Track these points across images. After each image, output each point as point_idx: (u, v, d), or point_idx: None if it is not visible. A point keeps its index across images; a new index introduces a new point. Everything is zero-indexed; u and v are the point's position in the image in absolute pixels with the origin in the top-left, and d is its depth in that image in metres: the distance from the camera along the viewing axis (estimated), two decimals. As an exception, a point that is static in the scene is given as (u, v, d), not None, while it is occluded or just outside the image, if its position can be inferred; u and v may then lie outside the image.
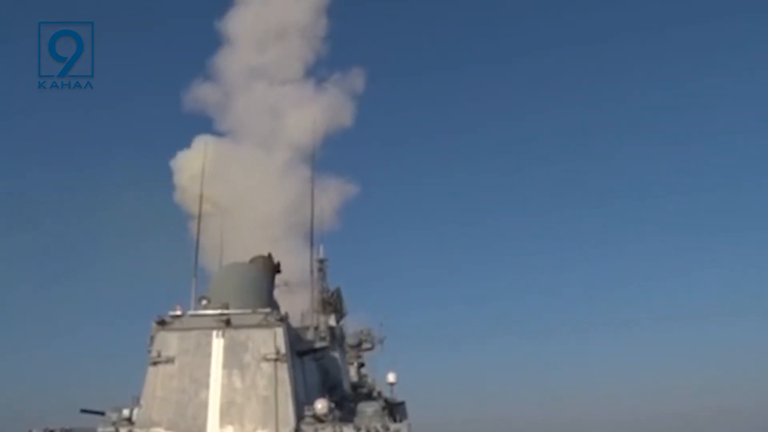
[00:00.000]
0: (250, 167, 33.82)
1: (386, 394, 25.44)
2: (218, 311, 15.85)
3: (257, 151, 36.79)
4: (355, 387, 23.33)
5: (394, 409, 23.98)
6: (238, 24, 38.12)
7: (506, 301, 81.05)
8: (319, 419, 14.99)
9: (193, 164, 37.64)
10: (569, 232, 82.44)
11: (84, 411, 16.13)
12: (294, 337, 16.51)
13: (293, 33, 38.82)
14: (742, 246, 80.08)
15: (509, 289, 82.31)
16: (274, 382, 15.09)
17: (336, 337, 22.18)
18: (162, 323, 15.88)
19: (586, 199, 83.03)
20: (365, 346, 28.76)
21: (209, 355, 15.46)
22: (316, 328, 20.14)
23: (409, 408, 26.77)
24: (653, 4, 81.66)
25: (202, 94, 38.80)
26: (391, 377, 26.03)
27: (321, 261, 26.94)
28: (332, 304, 26.97)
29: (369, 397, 23.22)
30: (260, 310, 15.92)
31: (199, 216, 18.53)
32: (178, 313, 16.04)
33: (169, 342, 15.69)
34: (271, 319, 15.65)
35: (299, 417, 14.95)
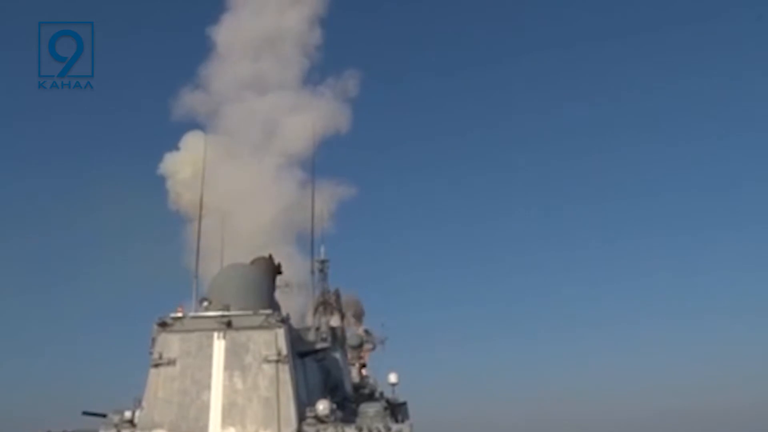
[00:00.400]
0: (244, 168, 33.96)
1: (388, 394, 25.44)
2: (219, 313, 15.86)
3: (251, 151, 37.03)
4: (356, 388, 23.30)
5: (396, 410, 23.98)
6: (231, 29, 38.41)
7: (507, 301, 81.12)
8: (320, 420, 14.98)
9: (184, 165, 38.07)
10: (568, 231, 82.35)
11: (86, 413, 16.14)
12: (295, 338, 16.50)
13: (286, 38, 39.09)
14: (742, 245, 79.91)
15: (510, 289, 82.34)
16: (275, 384, 15.09)
17: (337, 337, 22.16)
18: (163, 325, 15.88)
19: (585, 198, 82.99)
20: (366, 346, 28.75)
21: (210, 356, 15.47)
22: (318, 329, 20.13)
23: (411, 408, 26.79)
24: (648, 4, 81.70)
25: (193, 100, 39.08)
26: (392, 378, 26.05)
27: (322, 262, 26.93)
28: (332, 304, 27.01)
29: (371, 397, 23.21)
30: (261, 311, 15.91)
31: (200, 217, 18.52)
32: (180, 314, 16.04)
33: (170, 344, 15.70)
34: (273, 320, 15.65)
35: (301, 418, 14.94)
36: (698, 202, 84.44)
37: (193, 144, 38.18)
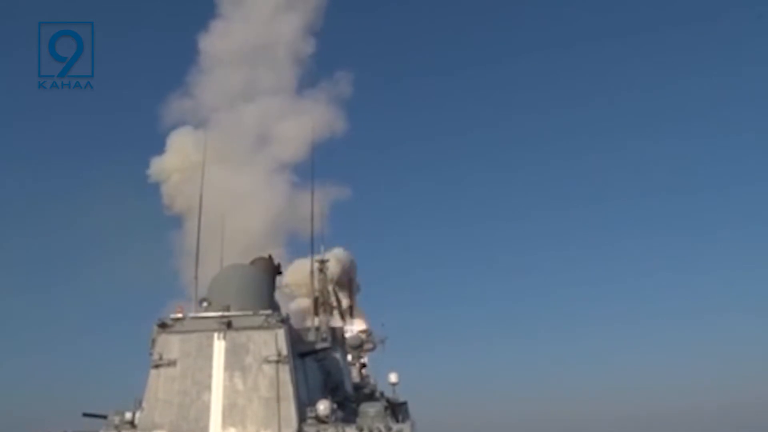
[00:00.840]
0: (236, 170, 34.10)
1: (388, 394, 25.42)
2: (219, 313, 15.86)
3: (243, 154, 37.25)
4: (357, 387, 23.29)
5: (397, 410, 23.94)
6: (224, 36, 38.64)
7: (506, 301, 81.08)
8: (321, 420, 14.99)
9: (173, 169, 38.28)
10: (566, 231, 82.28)
11: (86, 415, 16.13)
12: (295, 338, 16.50)
13: (279, 42, 39.33)
14: (742, 245, 79.81)
15: (509, 288, 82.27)
16: (276, 384, 15.09)
17: (337, 337, 22.15)
18: (163, 326, 15.88)
19: (583, 198, 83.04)
20: (367, 346, 28.70)
21: (211, 357, 15.48)
22: (318, 329, 20.12)
23: (412, 407, 26.78)
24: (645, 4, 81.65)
25: (184, 106, 39.33)
26: (393, 377, 26.00)
27: (321, 262, 26.87)
28: (331, 304, 26.99)
29: (371, 397, 23.19)
30: (261, 311, 15.92)
31: (199, 218, 18.46)
32: (180, 315, 16.03)
33: (170, 345, 15.70)
34: (272, 320, 15.66)
35: (301, 418, 14.94)
36: (697, 201, 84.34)
37: (179, 145, 38.60)
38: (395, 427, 15.15)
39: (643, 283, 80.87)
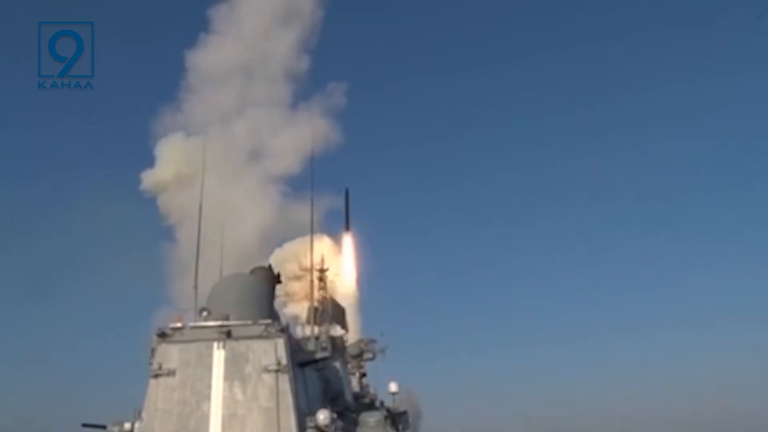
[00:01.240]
0: (229, 181, 34.30)
1: (388, 403, 25.37)
2: (219, 323, 15.82)
3: (235, 166, 37.56)
4: (357, 397, 23.27)
5: (397, 419, 23.89)
6: (218, 50, 39.02)
7: (507, 309, 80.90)
8: (321, 430, 14.95)
9: (165, 181, 38.55)
10: (569, 235, 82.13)
11: (85, 425, 16.10)
12: (295, 347, 16.47)
13: (273, 55, 39.72)
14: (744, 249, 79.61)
15: (510, 296, 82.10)
16: (275, 394, 15.05)
17: (337, 347, 22.14)
18: (163, 335, 15.84)
19: (585, 202, 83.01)
20: (366, 356, 28.66)
21: (210, 366, 15.43)
22: (317, 338, 20.10)
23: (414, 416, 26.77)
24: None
25: (177, 119, 39.64)
26: (393, 387, 25.96)
27: (321, 271, 26.88)
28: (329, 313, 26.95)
29: (371, 407, 23.15)
30: (261, 321, 15.89)
31: (199, 227, 18.45)
32: (179, 325, 16.00)
33: (170, 354, 15.65)
34: (272, 330, 15.63)
35: (301, 428, 14.90)
36: (701, 203, 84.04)
37: (171, 155, 38.92)
38: (395, 436, 15.12)
39: (650, 289, 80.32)
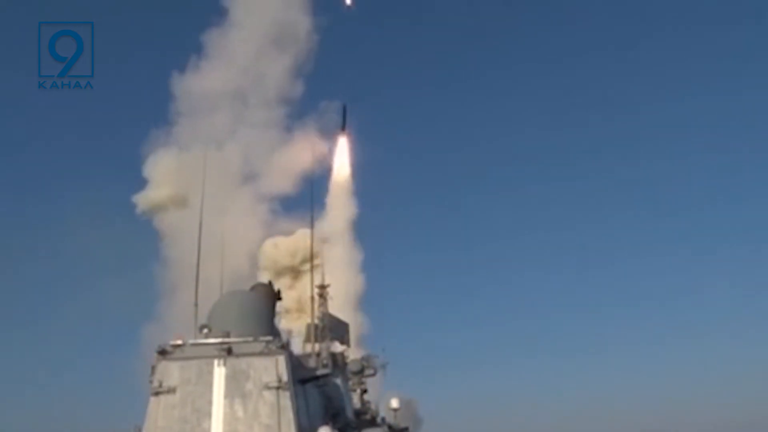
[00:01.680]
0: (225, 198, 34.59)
1: (389, 420, 25.28)
2: (219, 340, 15.80)
3: (230, 185, 37.97)
4: (358, 414, 23.19)
5: (398, 436, 23.84)
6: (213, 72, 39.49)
7: (509, 323, 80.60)
8: (322, 447, 14.89)
9: (160, 202, 38.86)
10: (571, 246, 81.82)
11: None
12: (296, 364, 16.44)
13: (268, 77, 40.19)
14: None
15: (511, 310, 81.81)
16: (276, 411, 15.01)
17: (338, 363, 22.10)
18: (163, 353, 15.81)
19: (593, 212, 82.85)
20: (367, 372, 28.55)
21: (211, 384, 15.40)
22: (318, 355, 20.07)
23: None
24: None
25: (169, 136, 39.98)
26: (394, 403, 25.87)
27: (322, 287, 26.84)
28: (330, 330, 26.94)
29: (372, 423, 23.06)
30: (261, 338, 15.88)
31: (199, 244, 18.47)
32: (179, 342, 15.98)
33: (170, 371, 15.61)
34: (273, 347, 15.61)
35: (303, 445, 14.85)
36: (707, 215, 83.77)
37: (163, 176, 39.23)
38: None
39: (652, 300, 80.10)
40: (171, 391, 15.41)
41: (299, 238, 38.38)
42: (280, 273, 38.95)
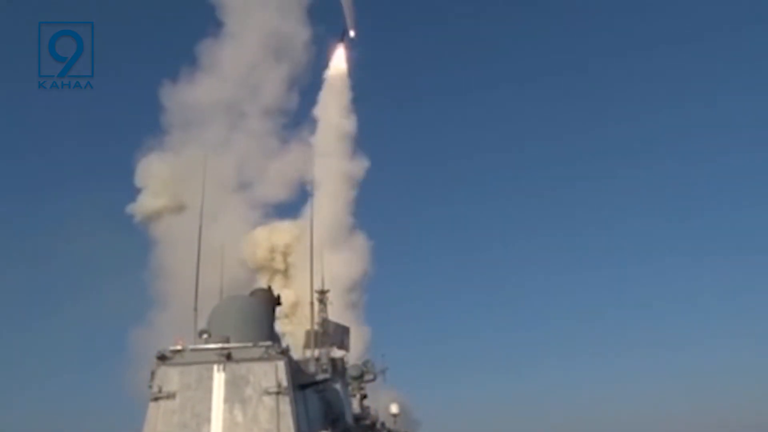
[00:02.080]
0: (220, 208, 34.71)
1: (390, 425, 25.26)
2: (219, 345, 15.79)
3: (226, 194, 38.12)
4: (357, 419, 23.16)
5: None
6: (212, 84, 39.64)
7: (509, 329, 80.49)
8: (322, 452, 14.88)
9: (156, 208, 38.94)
10: (572, 252, 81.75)
11: None
12: (296, 369, 16.42)
13: (265, 86, 40.31)
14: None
15: (515, 306, 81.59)
16: (276, 416, 15.00)
17: (338, 369, 22.05)
18: (163, 358, 15.80)
19: (588, 219, 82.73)
20: (367, 377, 28.52)
21: (210, 389, 15.39)
22: (318, 360, 20.03)
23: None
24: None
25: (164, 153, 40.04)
26: (393, 408, 25.84)
27: (321, 292, 26.79)
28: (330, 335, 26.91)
29: (372, 429, 23.04)
30: (261, 343, 15.86)
31: (199, 249, 18.44)
32: (179, 347, 15.96)
33: (170, 377, 15.60)
34: (272, 352, 15.60)
35: (302, 450, 14.83)
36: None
37: (157, 183, 39.31)
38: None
39: (655, 306, 79.88)
40: (171, 396, 15.39)
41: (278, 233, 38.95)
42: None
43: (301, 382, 16.42)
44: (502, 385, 71.66)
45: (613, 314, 78.55)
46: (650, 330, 74.92)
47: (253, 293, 19.43)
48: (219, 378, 15.44)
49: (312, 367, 18.88)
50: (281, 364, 15.45)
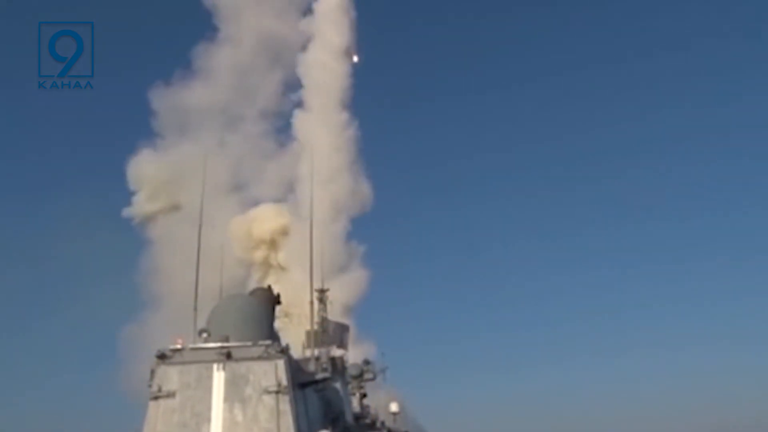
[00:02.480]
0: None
1: (389, 424, 25.24)
2: (219, 344, 15.79)
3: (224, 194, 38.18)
4: (357, 418, 23.14)
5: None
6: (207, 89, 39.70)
7: (510, 330, 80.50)
8: (322, 451, 14.87)
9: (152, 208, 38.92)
10: (572, 252, 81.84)
11: None
12: (295, 368, 16.41)
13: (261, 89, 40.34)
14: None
15: (515, 308, 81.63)
16: (275, 415, 14.99)
17: (338, 367, 22.04)
18: (162, 357, 15.79)
19: (588, 219, 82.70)
20: (367, 376, 28.51)
21: (210, 388, 15.38)
22: (318, 359, 20.00)
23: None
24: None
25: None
26: (393, 407, 25.82)
27: (321, 291, 26.77)
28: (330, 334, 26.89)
29: (372, 428, 23.02)
30: (261, 342, 15.86)
31: (199, 249, 18.44)
32: (179, 346, 15.96)
33: (169, 376, 15.60)
34: (272, 351, 15.60)
35: (302, 450, 14.83)
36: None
37: (154, 184, 39.32)
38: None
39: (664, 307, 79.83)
40: (170, 395, 15.39)
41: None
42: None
43: (301, 381, 16.42)
44: (502, 385, 71.90)
45: (613, 314, 78.74)
46: (650, 330, 75.13)
47: (252, 292, 19.43)
48: (219, 377, 15.43)
49: (312, 366, 18.87)
50: (281, 363, 15.45)
